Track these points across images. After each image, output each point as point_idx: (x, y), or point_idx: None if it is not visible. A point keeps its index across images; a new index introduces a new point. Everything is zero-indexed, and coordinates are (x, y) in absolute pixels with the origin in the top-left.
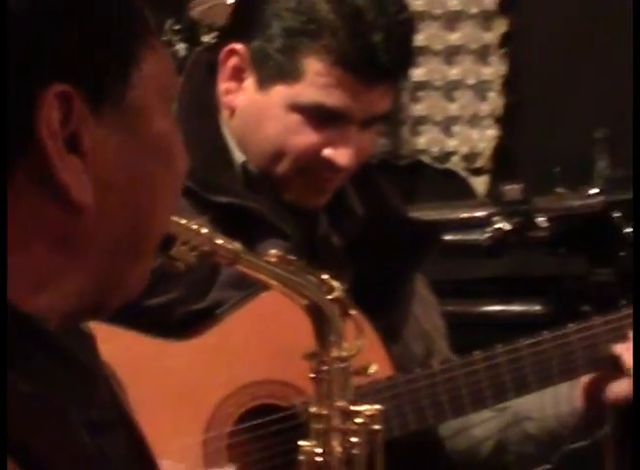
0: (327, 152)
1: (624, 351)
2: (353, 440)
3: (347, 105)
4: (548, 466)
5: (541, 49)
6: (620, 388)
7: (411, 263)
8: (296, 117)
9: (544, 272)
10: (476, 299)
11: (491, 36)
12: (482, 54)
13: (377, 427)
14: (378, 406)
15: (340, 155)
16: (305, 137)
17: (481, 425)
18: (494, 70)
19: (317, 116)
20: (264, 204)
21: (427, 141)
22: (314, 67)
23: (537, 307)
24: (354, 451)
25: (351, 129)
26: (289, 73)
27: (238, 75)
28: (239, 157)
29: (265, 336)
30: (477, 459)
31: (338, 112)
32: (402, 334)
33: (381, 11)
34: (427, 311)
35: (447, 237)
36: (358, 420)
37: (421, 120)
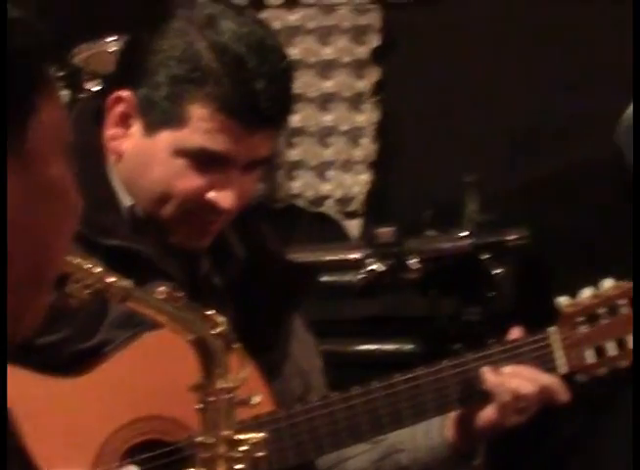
0: (210, 195)
1: (489, 373)
2: (238, 467)
3: (230, 149)
4: None
5: (412, 96)
6: (487, 415)
7: (289, 304)
8: (181, 162)
9: (416, 312)
10: (350, 338)
11: (364, 84)
12: (355, 101)
13: (260, 454)
14: (261, 434)
15: (222, 198)
16: (190, 181)
17: (356, 458)
18: (367, 116)
19: (201, 160)
20: (150, 246)
21: (301, 185)
22: (198, 113)
23: (410, 346)
24: None
25: (234, 173)
26: (174, 119)
27: (124, 122)
28: (126, 200)
29: (151, 373)
30: None
31: (221, 155)
32: (281, 371)
33: (262, 59)
34: (304, 350)
35: (323, 278)
36: (243, 448)
37: (296, 165)
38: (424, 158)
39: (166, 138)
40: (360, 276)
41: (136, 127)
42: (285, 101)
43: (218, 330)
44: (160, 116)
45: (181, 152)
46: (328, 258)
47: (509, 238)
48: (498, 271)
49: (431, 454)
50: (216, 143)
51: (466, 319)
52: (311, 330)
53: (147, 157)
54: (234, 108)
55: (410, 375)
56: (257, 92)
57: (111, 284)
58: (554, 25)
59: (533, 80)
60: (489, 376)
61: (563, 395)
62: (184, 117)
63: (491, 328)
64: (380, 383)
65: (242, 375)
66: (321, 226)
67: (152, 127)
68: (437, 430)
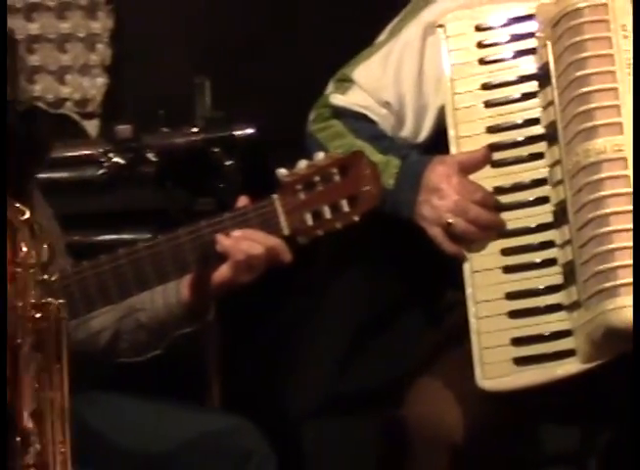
0: None
1: (222, 237)
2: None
3: None
4: (157, 351)
5: (144, 4)
6: (222, 273)
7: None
8: None
9: (153, 205)
10: (94, 229)
11: None
12: (91, 9)
13: (63, 316)
14: (61, 300)
15: None
16: None
17: (99, 317)
18: (102, 23)
19: None
20: None
21: (42, 88)
22: None
23: (147, 236)
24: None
25: None
26: None
27: None
28: None
29: None
30: (95, 348)
31: None
32: None
33: None
34: (46, 218)
35: (65, 174)
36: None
37: (36, 70)
38: (156, 62)
39: None
40: (101, 171)
41: None
42: None
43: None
44: None
45: None
46: (70, 154)
47: (237, 133)
48: (228, 163)
49: (167, 312)
50: None
51: (199, 209)
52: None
53: None
54: None
55: (151, 243)
56: None
57: None
58: None
59: None
60: (223, 239)
61: (286, 254)
62: None
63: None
64: (125, 250)
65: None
66: (62, 126)
67: None
68: (173, 290)
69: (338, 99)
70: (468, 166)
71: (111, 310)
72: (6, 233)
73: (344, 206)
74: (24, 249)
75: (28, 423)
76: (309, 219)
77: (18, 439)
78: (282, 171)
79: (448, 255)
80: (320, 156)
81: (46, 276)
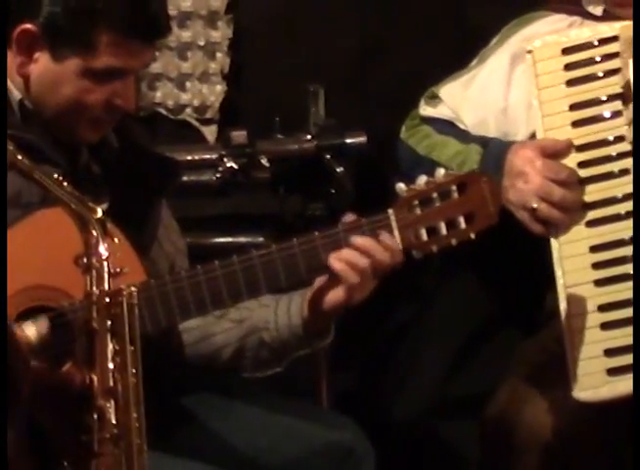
0: (117, 101)
1: (334, 259)
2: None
3: (130, 63)
4: (278, 369)
5: (261, 13)
6: (335, 295)
7: (157, 192)
8: (88, 81)
9: (266, 209)
10: (209, 232)
11: (218, 4)
12: (211, 19)
13: (134, 302)
14: (133, 288)
15: (125, 102)
16: (98, 95)
17: (222, 334)
18: (221, 32)
19: (105, 75)
20: (38, 136)
21: (162, 95)
22: (105, 39)
23: (260, 239)
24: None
25: (130, 79)
26: (83, 47)
27: (30, 51)
28: (16, 95)
29: (40, 246)
30: (217, 363)
31: (122, 69)
32: (149, 253)
33: None
34: (169, 235)
35: (184, 178)
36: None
37: (157, 77)
38: (272, 69)
39: (76, 63)
40: (216, 176)
41: (40, 55)
42: (168, 16)
43: (97, 216)
44: (68, 44)
45: (89, 72)
46: (188, 157)
47: (349, 140)
48: (339, 170)
49: (290, 332)
50: (120, 61)
51: (310, 214)
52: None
53: (56, 78)
54: (135, 28)
55: (264, 251)
56: (153, 12)
57: (19, 160)
58: None
59: None
60: (335, 262)
61: (398, 256)
62: (93, 44)
63: (333, 222)
64: (238, 257)
65: (114, 248)
66: (182, 132)
67: (60, 55)
68: (297, 310)
69: (427, 111)
70: (551, 152)
71: (233, 328)
72: (6, 224)
73: (461, 223)
74: (99, 243)
75: (104, 401)
76: (424, 235)
77: (95, 416)
78: (401, 186)
79: (536, 235)
80: (440, 172)
81: (118, 269)
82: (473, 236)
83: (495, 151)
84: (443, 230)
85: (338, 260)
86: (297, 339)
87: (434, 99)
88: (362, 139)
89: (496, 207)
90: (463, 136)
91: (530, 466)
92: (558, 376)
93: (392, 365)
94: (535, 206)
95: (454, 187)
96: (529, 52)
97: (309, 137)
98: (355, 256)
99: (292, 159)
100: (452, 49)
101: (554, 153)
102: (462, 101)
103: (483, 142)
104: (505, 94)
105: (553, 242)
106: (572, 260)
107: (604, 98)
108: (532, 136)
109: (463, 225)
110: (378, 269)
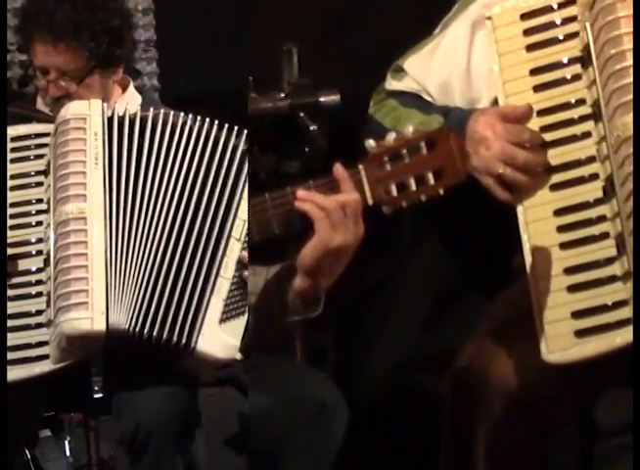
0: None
1: (300, 201)
2: None
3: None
4: None
5: None
6: (311, 245)
7: None
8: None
9: None
10: None
11: None
12: None
13: None
14: None
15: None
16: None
17: None
18: None
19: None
20: None
21: None
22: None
23: None
24: None
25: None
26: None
27: None
28: None
29: None
30: None
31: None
32: None
33: None
34: None
35: None
36: None
37: None
38: (246, 28)
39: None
40: None
41: None
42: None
43: None
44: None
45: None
46: None
47: (322, 99)
48: (313, 128)
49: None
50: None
51: (284, 172)
52: None
53: None
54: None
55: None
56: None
57: None
58: None
59: None
60: (302, 203)
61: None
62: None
63: (307, 178)
64: None
65: None
66: None
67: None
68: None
69: (393, 85)
70: (511, 117)
71: None
72: (6, 233)
73: (430, 178)
74: None
75: None
76: (394, 190)
77: None
78: (370, 142)
79: (502, 202)
80: (409, 129)
81: None
82: (442, 192)
83: (456, 119)
84: (413, 186)
85: (303, 202)
86: (295, 309)
87: (400, 72)
88: (336, 98)
89: (464, 164)
90: (426, 107)
91: (498, 417)
92: (525, 329)
93: (366, 322)
94: (501, 171)
95: (423, 143)
96: (489, 18)
97: (283, 96)
98: (320, 196)
99: (265, 117)
100: (427, 8)
101: (515, 118)
102: (427, 72)
103: (445, 112)
104: (467, 60)
105: (518, 206)
106: (537, 224)
107: (565, 61)
108: (495, 102)
109: (432, 181)
110: (346, 208)
